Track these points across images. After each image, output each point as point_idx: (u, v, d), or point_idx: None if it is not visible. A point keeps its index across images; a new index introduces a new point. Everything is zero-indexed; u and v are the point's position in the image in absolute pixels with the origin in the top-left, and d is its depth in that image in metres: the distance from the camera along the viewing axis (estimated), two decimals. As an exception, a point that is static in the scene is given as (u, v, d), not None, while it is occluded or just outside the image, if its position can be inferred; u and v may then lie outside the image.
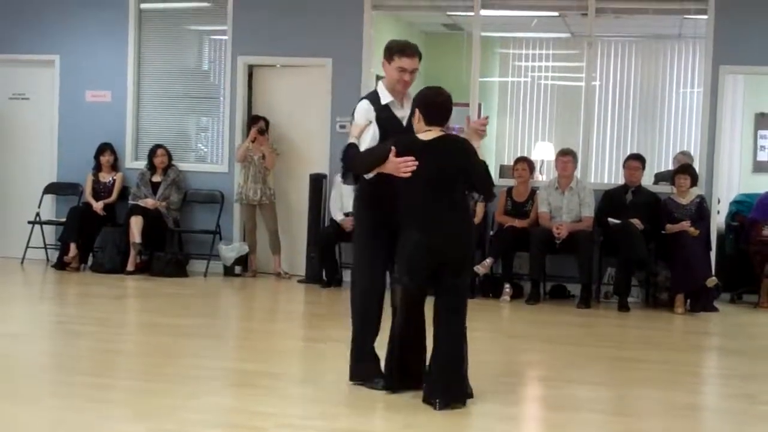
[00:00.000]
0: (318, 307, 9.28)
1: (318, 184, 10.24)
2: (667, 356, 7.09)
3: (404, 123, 5.40)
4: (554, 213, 9.57)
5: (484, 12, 10.35)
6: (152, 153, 10.70)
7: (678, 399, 5.71)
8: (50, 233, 10.99)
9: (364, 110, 5.42)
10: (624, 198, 9.56)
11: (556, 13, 11.04)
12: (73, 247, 10.37)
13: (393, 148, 5.15)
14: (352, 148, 5.37)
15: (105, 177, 10.84)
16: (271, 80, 10.89)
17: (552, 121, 13.09)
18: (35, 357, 6.43)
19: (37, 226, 10.83)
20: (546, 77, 13.17)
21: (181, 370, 5.98)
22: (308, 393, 5.54)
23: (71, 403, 5.15)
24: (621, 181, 9.91)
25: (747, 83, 12.02)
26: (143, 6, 11.00)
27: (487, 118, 5.68)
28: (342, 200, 9.99)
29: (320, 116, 10.54)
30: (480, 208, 9.64)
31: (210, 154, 11.15)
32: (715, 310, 9.13)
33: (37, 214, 10.85)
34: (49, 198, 11.11)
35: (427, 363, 5.29)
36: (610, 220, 9.32)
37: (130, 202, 10.59)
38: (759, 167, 12.31)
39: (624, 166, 9.78)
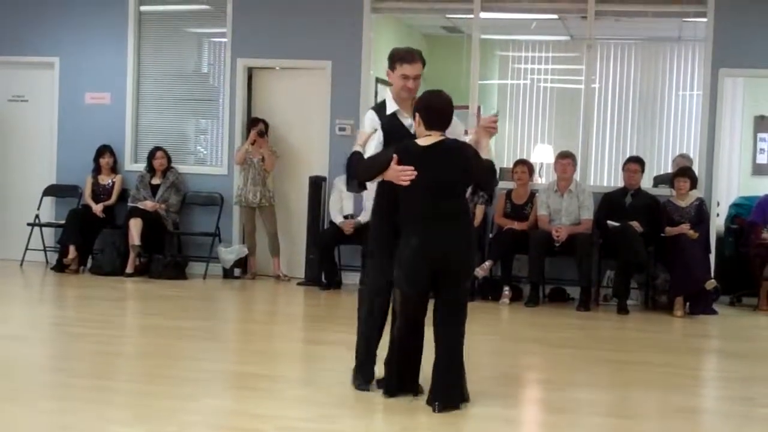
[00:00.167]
0: (317, 309, 9.28)
1: (317, 187, 10.24)
2: (667, 359, 7.08)
3: (412, 131, 5.39)
4: (553, 216, 9.57)
5: (483, 14, 10.36)
6: (152, 155, 10.70)
7: (677, 402, 5.71)
8: (49, 235, 10.99)
9: (370, 119, 5.45)
10: (623, 201, 9.56)
11: (555, 16, 11.03)
12: (72, 249, 10.36)
13: (395, 155, 5.15)
14: (356, 155, 5.38)
15: (104, 179, 10.84)
16: (271, 83, 10.90)
17: (551, 123, 13.10)
18: (34, 359, 6.43)
19: (36, 228, 10.83)
20: (545, 80, 13.19)
21: (181, 372, 5.98)
22: (307, 395, 5.53)
23: (71, 405, 5.14)
24: (620, 183, 9.91)
25: (746, 86, 12.03)
26: (143, 8, 11.00)
27: (497, 114, 5.66)
28: (341, 203, 10.00)
29: (320, 119, 10.54)
30: (479, 211, 9.66)
31: (209, 157, 11.16)
32: (715, 312, 9.13)
33: (37, 216, 10.85)
34: (48, 200, 11.11)
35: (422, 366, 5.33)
36: (610, 222, 9.32)
37: (130, 204, 10.59)
38: (758, 170, 12.32)
39: (623, 169, 9.78)
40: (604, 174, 12.67)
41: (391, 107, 5.44)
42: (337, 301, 9.53)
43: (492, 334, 7.87)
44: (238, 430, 4.86)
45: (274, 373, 6.13)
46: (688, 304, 9.09)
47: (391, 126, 5.39)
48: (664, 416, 5.43)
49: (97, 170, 10.85)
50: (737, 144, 12.30)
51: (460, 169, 5.18)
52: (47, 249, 10.92)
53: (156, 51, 11.06)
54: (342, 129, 10.40)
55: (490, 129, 5.39)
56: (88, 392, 5.41)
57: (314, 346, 7.34)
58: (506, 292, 9.43)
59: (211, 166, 11.01)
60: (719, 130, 9.93)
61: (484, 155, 5.28)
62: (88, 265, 10.58)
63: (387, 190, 5.30)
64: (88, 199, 10.76)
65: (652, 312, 9.32)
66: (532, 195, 9.82)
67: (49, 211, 11.11)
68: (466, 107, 10.08)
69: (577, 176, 9.78)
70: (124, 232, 10.32)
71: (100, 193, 10.79)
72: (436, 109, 5.20)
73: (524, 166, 9.99)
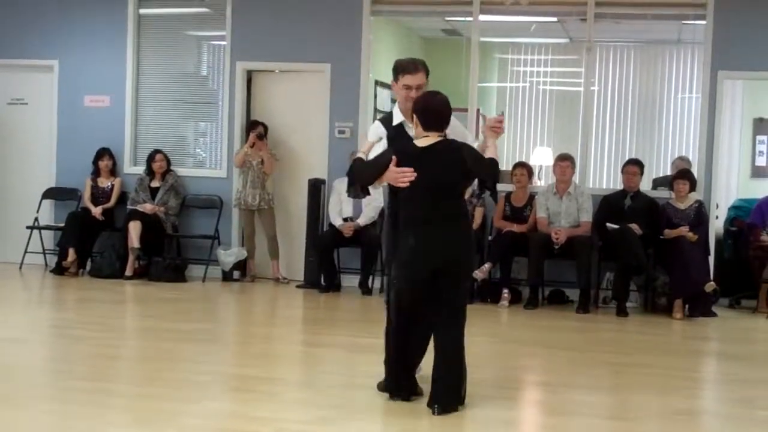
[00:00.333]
0: (316, 312, 9.28)
1: (316, 189, 10.24)
2: (666, 361, 7.09)
3: None
4: (553, 218, 9.58)
5: (482, 17, 10.37)
6: (151, 158, 10.70)
7: (676, 404, 5.72)
8: (49, 238, 10.99)
9: (376, 129, 5.50)
10: (622, 203, 9.56)
11: (554, 19, 11.05)
12: (71, 252, 10.36)
13: (394, 157, 5.16)
14: (358, 161, 5.40)
15: (104, 182, 10.84)
16: (270, 85, 10.90)
17: (550, 126, 13.11)
18: (34, 362, 6.43)
19: (35, 231, 10.84)
20: (545, 82, 13.19)
21: (180, 375, 5.98)
22: (307, 398, 5.54)
23: (70, 408, 5.14)
24: (619, 186, 9.92)
25: (745, 88, 12.04)
26: (142, 11, 11.01)
27: (503, 114, 5.68)
28: (341, 205, 10.00)
29: (319, 121, 10.54)
30: (479, 213, 9.67)
31: (209, 160, 11.16)
32: (714, 315, 9.14)
33: (36, 219, 10.86)
34: (47, 203, 11.11)
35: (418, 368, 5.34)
36: (609, 225, 9.33)
37: (129, 207, 10.60)
38: (757, 172, 12.33)
39: (622, 171, 9.78)
40: (603, 176, 12.67)
41: (398, 118, 5.46)
42: (336, 303, 9.53)
43: (491, 336, 7.87)
44: (238, 432, 4.87)
45: (273, 376, 6.13)
46: (687, 306, 9.10)
47: (396, 137, 5.40)
48: (664, 418, 5.43)
49: (96, 173, 10.85)
50: (736, 146, 12.31)
51: (458, 170, 5.19)
52: (46, 252, 10.92)
53: (155, 54, 11.07)
54: (341, 132, 10.40)
55: (496, 129, 5.40)
56: (88, 395, 5.41)
57: (313, 348, 7.33)
58: (505, 295, 9.42)
59: (211, 169, 11.01)
60: (718, 132, 9.94)
61: (490, 155, 5.29)
62: (88, 267, 10.58)
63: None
64: (87, 202, 10.76)
65: (651, 314, 9.32)
66: (532, 197, 9.82)
67: (48, 214, 11.11)
68: (465, 110, 10.09)
69: (576, 178, 9.78)
70: (124, 234, 10.32)
71: (99, 195, 10.79)
72: (433, 110, 5.21)
73: (523, 168, 10.00)
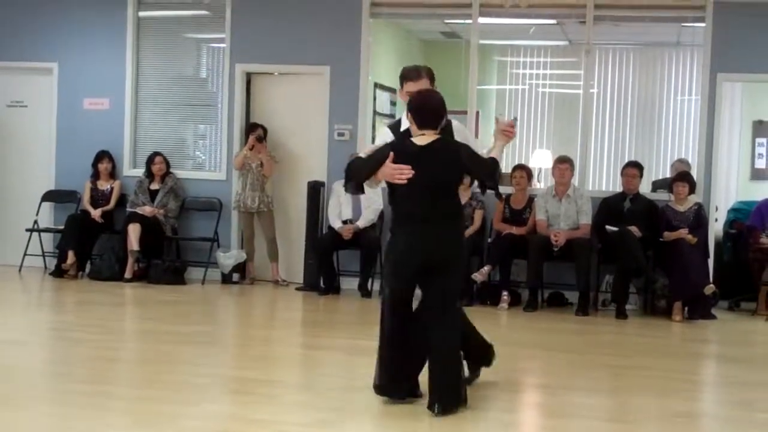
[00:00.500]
0: (316, 314, 9.27)
1: (316, 192, 10.25)
2: (665, 363, 7.09)
3: None
4: (552, 220, 9.58)
5: (482, 20, 10.37)
6: (150, 160, 10.70)
7: (676, 406, 5.72)
8: (48, 241, 10.99)
9: (384, 136, 5.54)
10: (622, 205, 9.57)
11: (554, 21, 11.05)
12: (71, 254, 10.36)
13: (391, 153, 5.17)
14: (356, 159, 5.42)
15: (103, 184, 10.84)
16: (270, 88, 10.90)
17: (550, 128, 13.11)
18: (33, 364, 6.43)
19: (35, 234, 10.83)
20: (544, 85, 13.20)
21: (180, 378, 5.97)
22: (306, 400, 5.54)
23: (70, 410, 5.14)
24: (619, 188, 9.92)
25: (744, 91, 12.04)
26: (142, 14, 11.01)
27: (515, 119, 5.76)
28: (340, 207, 10.00)
29: (318, 124, 10.55)
30: (478, 216, 9.67)
31: (208, 162, 11.16)
32: (713, 317, 9.14)
33: (35, 222, 10.85)
34: (47, 205, 11.10)
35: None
36: (608, 227, 9.33)
37: (128, 209, 10.60)
38: (756, 175, 12.34)
39: (622, 174, 9.78)
40: (602, 179, 12.67)
41: (405, 125, 5.49)
42: (335, 306, 9.53)
43: (490, 338, 7.82)
44: (237, 435, 4.87)
45: (272, 378, 6.14)
46: (686, 308, 9.10)
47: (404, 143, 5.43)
48: (663, 421, 5.43)
49: (95, 176, 10.85)
50: (735, 149, 12.31)
51: (457, 169, 5.21)
52: (46, 254, 10.92)
53: (155, 56, 11.07)
54: (341, 134, 10.41)
55: (508, 132, 5.44)
56: (88, 397, 5.40)
57: (313, 351, 7.33)
58: (505, 297, 9.42)
59: (210, 172, 11.01)
60: (717, 134, 9.94)
61: (492, 155, 5.32)
62: (87, 270, 10.58)
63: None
64: (86, 204, 10.76)
65: (650, 317, 9.31)
66: (531, 200, 9.82)
67: (47, 216, 11.11)
68: (465, 112, 10.09)
69: (575, 181, 9.79)
70: (123, 237, 10.32)
71: (98, 198, 10.79)
72: (426, 107, 5.24)
73: (523, 171, 9.99)
